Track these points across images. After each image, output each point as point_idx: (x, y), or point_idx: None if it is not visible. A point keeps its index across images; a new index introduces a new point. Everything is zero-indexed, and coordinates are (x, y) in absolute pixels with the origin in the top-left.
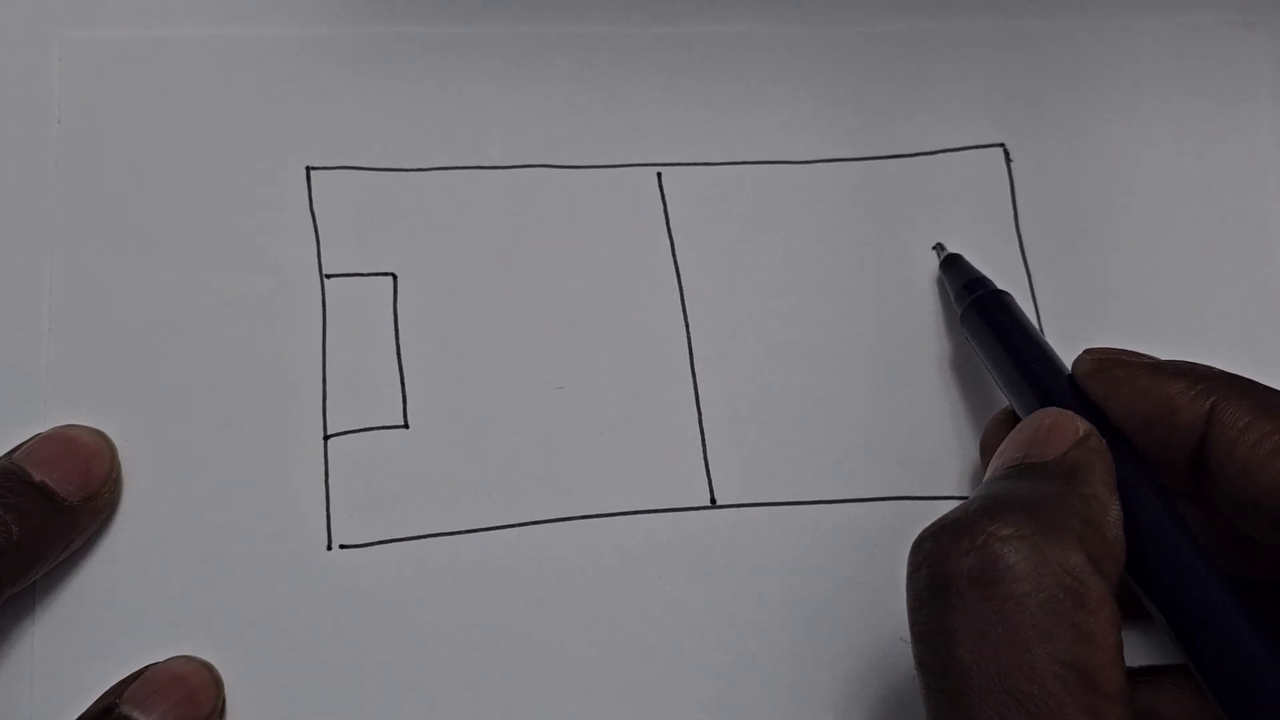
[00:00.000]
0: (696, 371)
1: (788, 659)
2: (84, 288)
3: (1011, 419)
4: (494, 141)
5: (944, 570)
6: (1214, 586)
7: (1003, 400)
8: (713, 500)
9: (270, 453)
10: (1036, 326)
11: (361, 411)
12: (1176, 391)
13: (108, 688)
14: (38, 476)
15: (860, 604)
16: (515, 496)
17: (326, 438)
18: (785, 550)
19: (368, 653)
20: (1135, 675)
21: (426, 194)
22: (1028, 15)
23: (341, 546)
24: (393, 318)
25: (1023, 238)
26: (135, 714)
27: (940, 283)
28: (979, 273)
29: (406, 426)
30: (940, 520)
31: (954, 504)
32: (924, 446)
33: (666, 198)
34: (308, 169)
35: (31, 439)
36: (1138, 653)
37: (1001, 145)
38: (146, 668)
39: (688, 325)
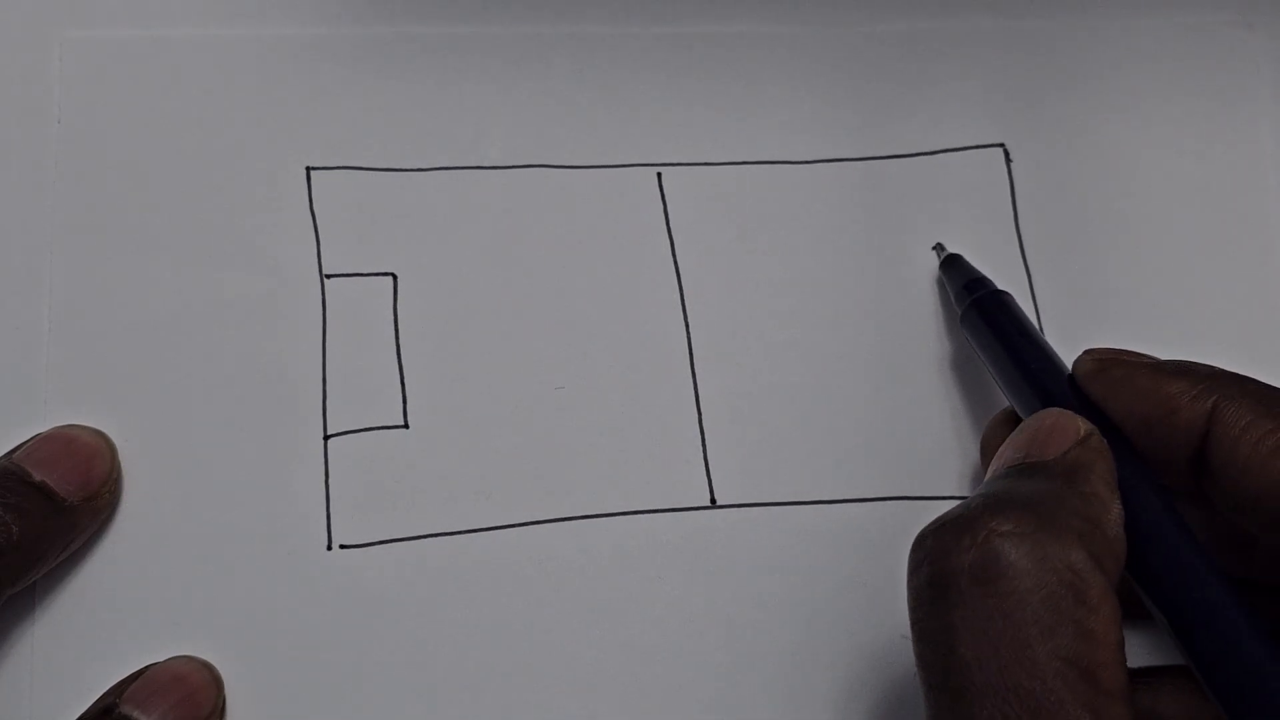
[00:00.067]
0: (696, 371)
1: (788, 659)
2: (84, 288)
3: (1012, 420)
4: (494, 141)
5: (945, 567)
6: (1214, 586)
7: (1002, 401)
8: (713, 500)
9: (270, 453)
10: (1037, 326)
11: (361, 411)
12: (1177, 391)
13: (108, 688)
14: (38, 476)
15: (860, 604)
16: (515, 496)
17: (326, 438)
18: (785, 550)
19: (368, 653)
20: (1135, 676)
21: (426, 194)
22: (1028, 15)
23: (341, 546)
24: (393, 318)
25: (1023, 238)
26: (135, 714)
27: (940, 283)
28: (979, 273)
29: (406, 426)
30: (941, 518)
31: (954, 504)
32: (924, 446)
33: (666, 198)
34: (308, 169)
35: (31, 439)
36: (1137, 653)
37: (1001, 145)
38: (146, 668)
39: (688, 325)
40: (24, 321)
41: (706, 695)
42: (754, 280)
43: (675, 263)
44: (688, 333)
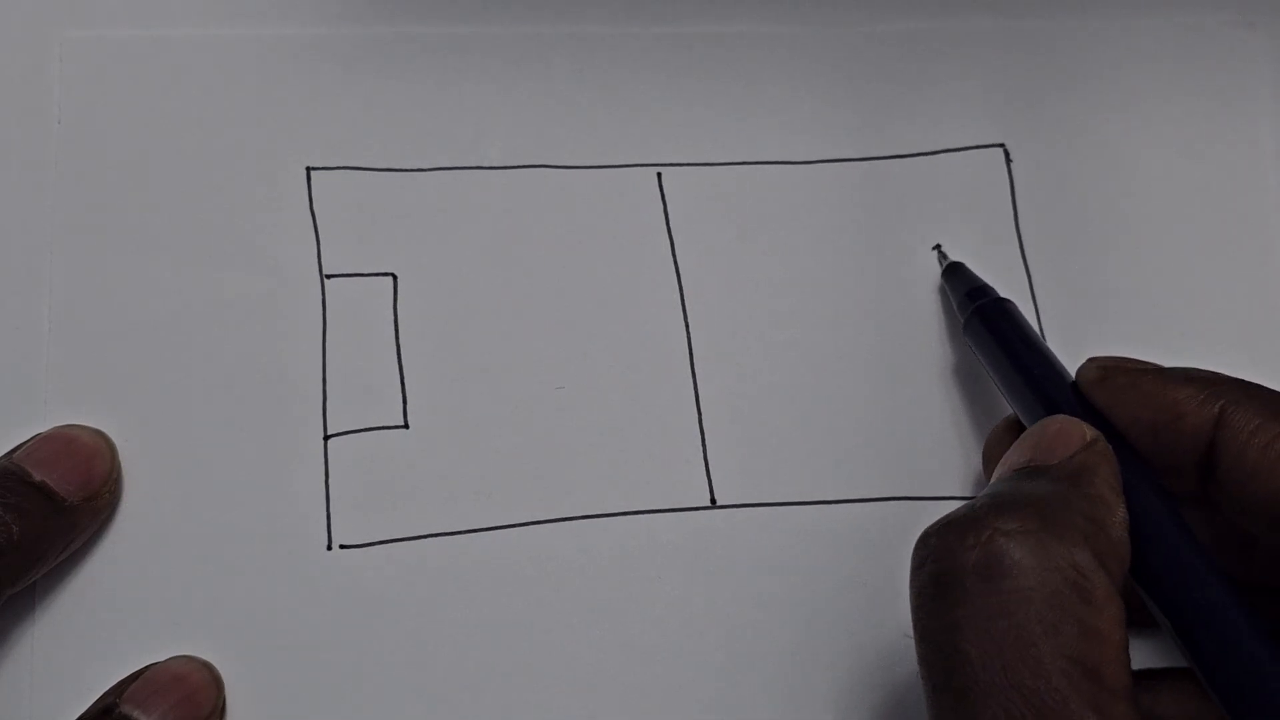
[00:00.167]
0: (696, 371)
1: (788, 659)
2: (84, 288)
3: (1014, 428)
4: (494, 141)
5: (949, 566)
6: (1216, 587)
7: (1003, 405)
8: (713, 500)
9: (270, 453)
10: (1039, 333)
11: (361, 411)
12: (1184, 397)
13: (108, 688)
14: (38, 476)
15: (860, 604)
16: (515, 496)
17: (326, 438)
18: (785, 550)
19: (368, 653)
20: (1135, 678)
21: (426, 194)
22: (1028, 15)
23: (341, 546)
24: (393, 318)
25: (1023, 238)
26: (135, 713)
27: (942, 290)
28: (981, 281)
29: (406, 426)
30: (945, 517)
31: (955, 504)
32: (924, 446)
33: (666, 198)
34: (308, 169)
35: (31, 439)
36: (1137, 657)
37: (1001, 145)
38: (147, 668)
39: (688, 325)
40: (24, 321)
41: (706, 695)
42: (754, 280)
43: (675, 263)
44: (688, 333)
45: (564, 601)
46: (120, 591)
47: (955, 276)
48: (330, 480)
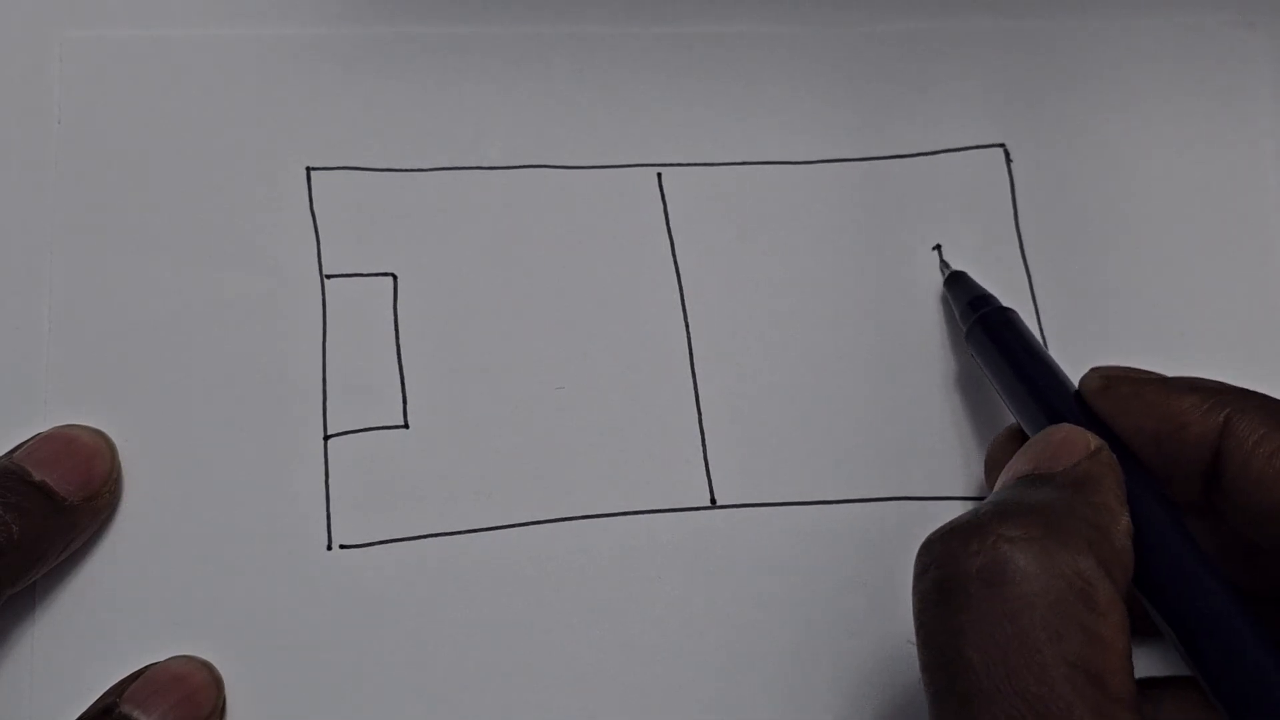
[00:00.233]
0: (696, 371)
1: (788, 659)
2: (84, 288)
3: (1017, 437)
4: (494, 141)
5: (952, 571)
6: (1221, 596)
7: (1004, 410)
8: (713, 500)
9: (270, 453)
10: (1041, 342)
11: (361, 411)
12: (1188, 406)
13: (108, 688)
14: (38, 476)
15: (860, 604)
16: (515, 496)
17: (326, 438)
18: (785, 550)
19: (368, 653)
20: (1138, 686)
21: (426, 194)
22: (1028, 15)
23: (341, 546)
24: (393, 318)
25: (1023, 238)
26: (136, 713)
27: (944, 299)
28: (983, 289)
29: (406, 426)
30: (949, 524)
31: (954, 503)
32: (924, 446)
33: (666, 198)
34: (308, 169)
35: (31, 439)
36: (1138, 666)
37: (1002, 145)
38: (147, 667)
39: (688, 325)
40: (24, 321)
41: (706, 695)
42: (754, 280)
43: (675, 263)
44: (688, 333)
45: (564, 601)
46: (120, 591)
47: (957, 285)
48: (330, 480)
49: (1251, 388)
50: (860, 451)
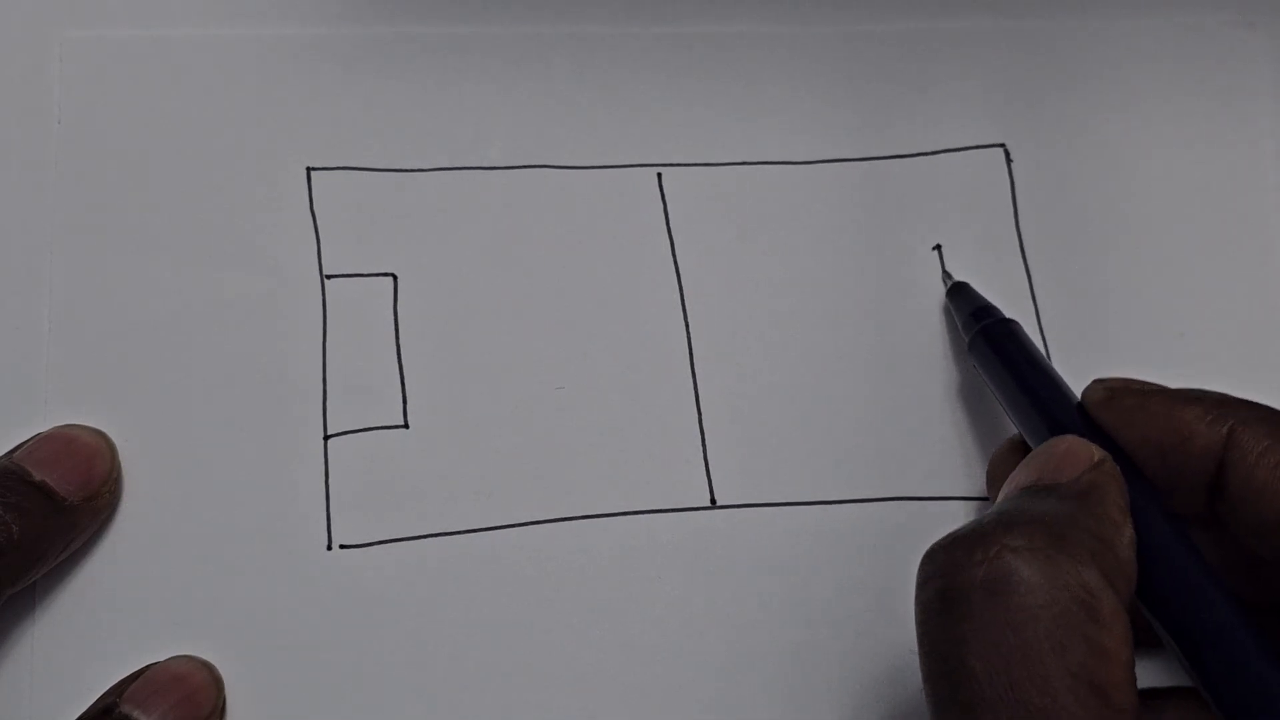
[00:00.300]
0: (696, 371)
1: (788, 659)
2: (84, 288)
3: (1019, 449)
4: (494, 141)
5: (956, 581)
6: (1225, 609)
7: (1005, 418)
8: (713, 500)
9: (270, 453)
10: (1044, 354)
11: (361, 411)
12: (1192, 417)
13: (108, 688)
14: (38, 476)
15: (860, 604)
16: (515, 496)
17: (326, 438)
18: (785, 550)
19: (368, 653)
20: (1140, 696)
21: (426, 194)
22: (1028, 15)
23: (341, 546)
24: (393, 318)
25: (1023, 238)
26: (136, 713)
27: (946, 310)
28: (986, 301)
29: (406, 426)
30: (952, 534)
31: (954, 504)
32: (924, 446)
33: (666, 198)
34: (308, 169)
35: (32, 439)
36: (1141, 676)
37: (1002, 145)
38: (147, 667)
39: (688, 325)
40: (24, 321)
41: (706, 695)
42: (754, 280)
43: (675, 263)
44: (688, 333)
45: (564, 601)
46: (120, 591)
47: (960, 296)
48: (330, 480)
49: (1252, 387)
50: (860, 451)
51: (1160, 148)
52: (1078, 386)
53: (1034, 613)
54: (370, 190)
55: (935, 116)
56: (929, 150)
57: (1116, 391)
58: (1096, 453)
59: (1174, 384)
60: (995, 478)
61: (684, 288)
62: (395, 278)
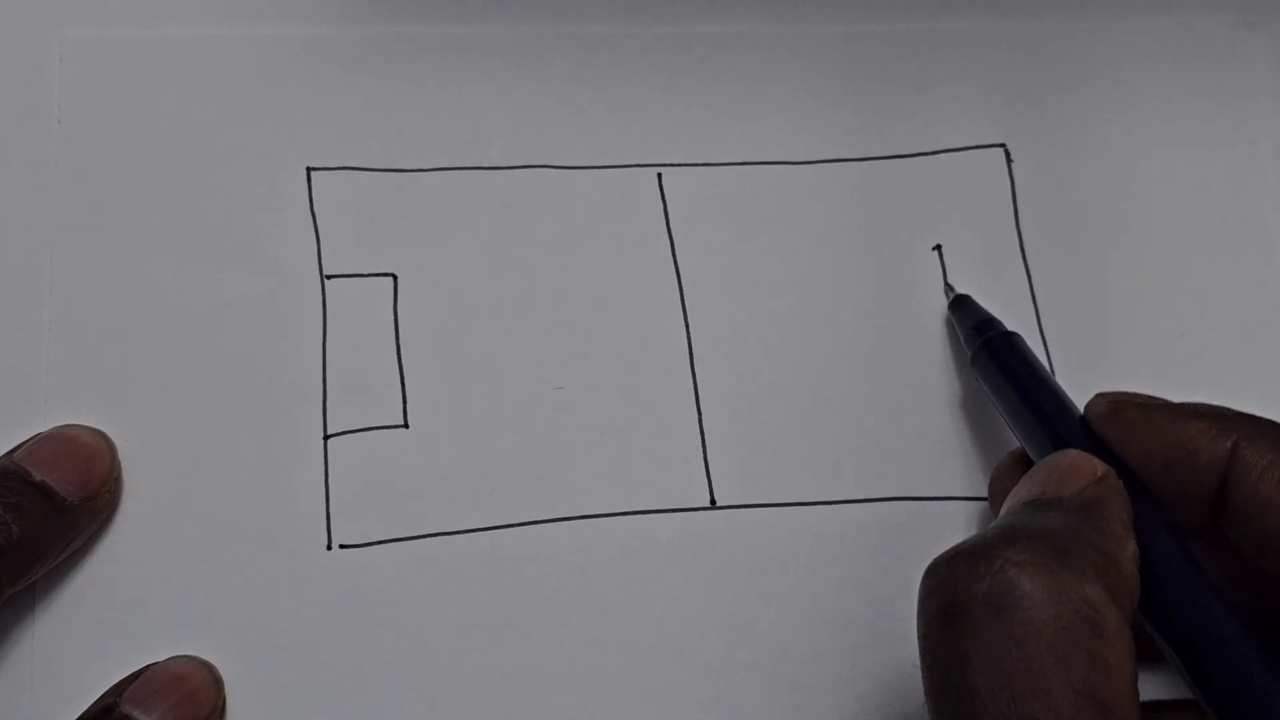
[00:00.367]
0: (696, 371)
1: (788, 659)
2: (84, 288)
3: (1021, 462)
4: (494, 141)
5: (958, 596)
6: (1228, 623)
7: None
8: (712, 501)
9: (270, 453)
10: (1047, 367)
11: (361, 411)
12: (1196, 432)
13: (108, 688)
14: (38, 476)
15: (860, 604)
16: (515, 496)
17: (326, 438)
18: (785, 551)
19: (368, 653)
20: (1142, 710)
21: (426, 194)
22: (1028, 15)
23: (341, 546)
24: (393, 318)
25: (1023, 238)
26: (136, 713)
27: (948, 322)
28: (988, 314)
29: (406, 426)
30: (954, 548)
31: (954, 504)
32: (923, 445)
33: (666, 198)
34: (308, 169)
35: (31, 439)
36: (1142, 690)
37: (1002, 145)
38: (147, 667)
39: (688, 325)
40: (24, 321)
41: (706, 695)
42: (754, 280)
43: (675, 263)
44: (688, 333)
45: (564, 601)
46: (120, 591)
47: (962, 309)
48: (330, 480)
49: (1252, 387)
50: (860, 452)
51: (1160, 148)
52: (1079, 387)
53: (1037, 628)
54: (370, 190)
55: (935, 116)
56: (929, 150)
57: (1120, 405)
58: (1100, 467)
59: (1174, 384)
60: (997, 491)
61: (684, 288)
62: (395, 278)
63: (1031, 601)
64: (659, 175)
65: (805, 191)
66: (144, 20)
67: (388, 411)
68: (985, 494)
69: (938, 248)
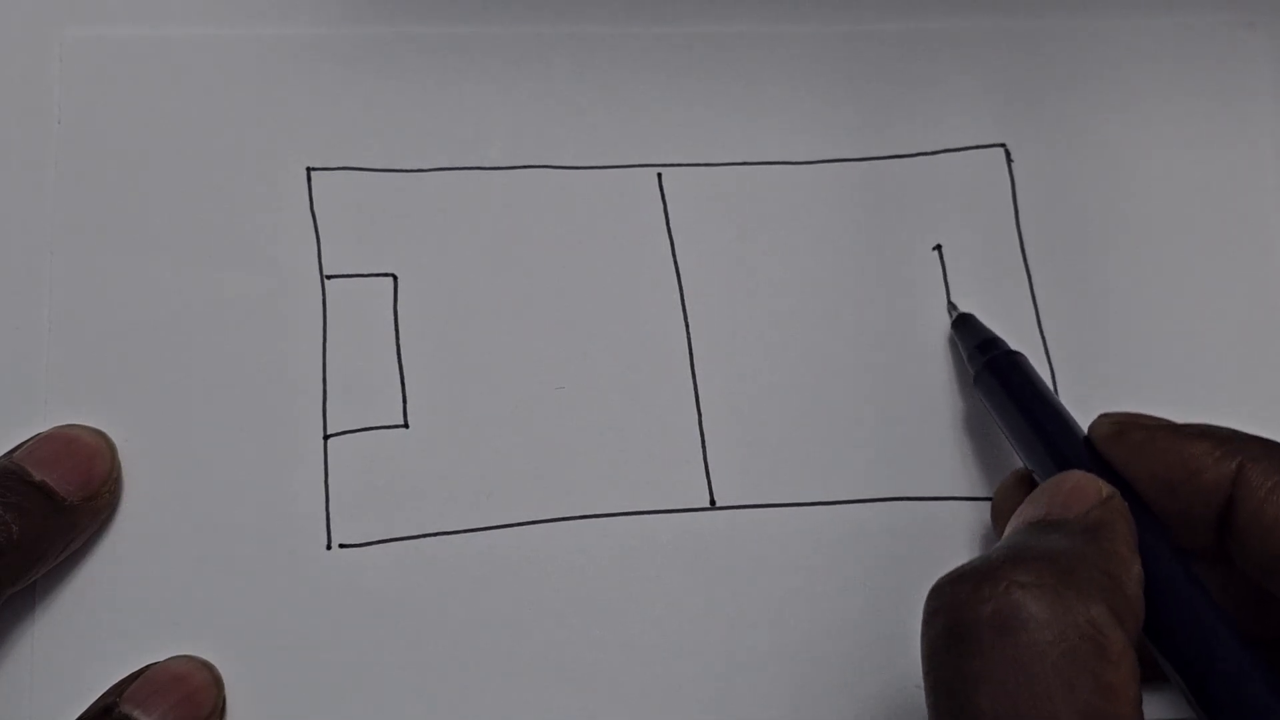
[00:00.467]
0: (696, 371)
1: (788, 660)
2: (84, 288)
3: (1025, 482)
4: (494, 141)
5: (963, 617)
6: (1232, 645)
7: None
8: (712, 501)
9: (270, 453)
10: (1051, 387)
11: (361, 411)
12: (1200, 453)
13: (108, 688)
14: (38, 476)
15: (860, 604)
16: (515, 496)
17: (326, 438)
18: (785, 551)
19: (368, 653)
20: None
21: (426, 194)
22: (1028, 15)
23: (341, 546)
24: (393, 318)
25: (1023, 238)
26: (136, 713)
27: (952, 341)
28: (992, 333)
29: (406, 426)
30: (959, 568)
31: (953, 504)
32: (923, 445)
33: (666, 198)
34: (308, 169)
35: (31, 439)
36: (1145, 713)
37: (1002, 145)
38: (147, 667)
39: (688, 325)
40: (24, 321)
41: (706, 695)
42: (754, 280)
43: (675, 263)
44: (688, 333)
45: (564, 601)
46: (120, 591)
47: (965, 328)
48: (330, 480)
49: (1252, 387)
50: (860, 452)
51: (1160, 148)
52: (1079, 389)
53: (1042, 650)
54: (370, 190)
55: (935, 116)
56: (929, 150)
57: (1124, 426)
58: (1104, 488)
59: (1174, 384)
60: (1001, 511)
61: (684, 288)
62: (395, 278)
63: (1037, 623)
64: (659, 175)
65: (805, 191)
66: (144, 20)
67: (388, 411)
68: (985, 493)
69: (938, 248)
